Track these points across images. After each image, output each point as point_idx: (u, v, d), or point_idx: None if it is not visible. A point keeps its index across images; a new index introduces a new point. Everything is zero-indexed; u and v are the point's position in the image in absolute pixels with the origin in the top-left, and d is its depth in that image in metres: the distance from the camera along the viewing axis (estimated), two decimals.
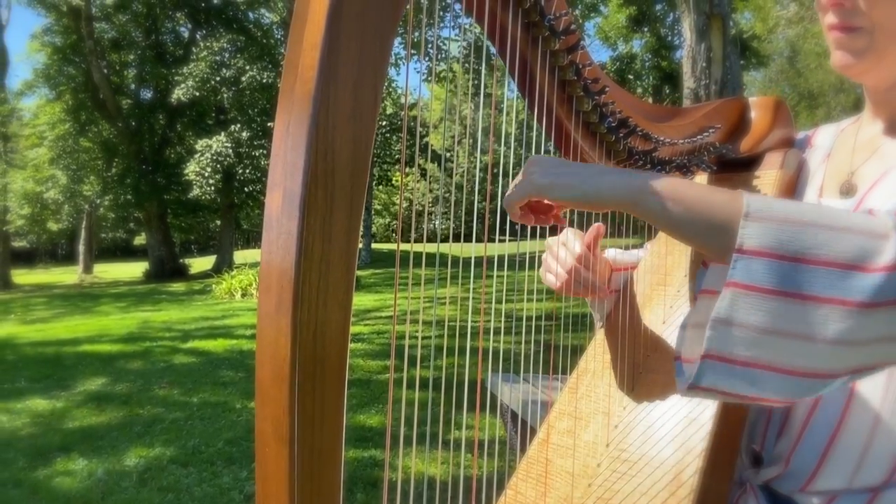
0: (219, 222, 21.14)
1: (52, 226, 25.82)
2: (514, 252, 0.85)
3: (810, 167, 0.81)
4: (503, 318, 0.82)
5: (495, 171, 0.71)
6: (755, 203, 0.49)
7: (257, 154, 17.17)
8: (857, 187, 0.73)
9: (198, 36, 19.30)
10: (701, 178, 0.87)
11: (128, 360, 5.77)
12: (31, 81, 20.35)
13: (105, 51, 19.29)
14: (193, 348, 6.28)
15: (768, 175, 0.81)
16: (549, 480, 0.80)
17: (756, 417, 0.76)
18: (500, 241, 0.82)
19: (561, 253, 0.85)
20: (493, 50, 0.65)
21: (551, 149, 0.72)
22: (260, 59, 17.42)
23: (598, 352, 0.87)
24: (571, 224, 0.87)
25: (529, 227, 0.68)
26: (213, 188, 17.32)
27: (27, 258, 33.46)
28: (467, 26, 0.65)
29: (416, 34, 0.55)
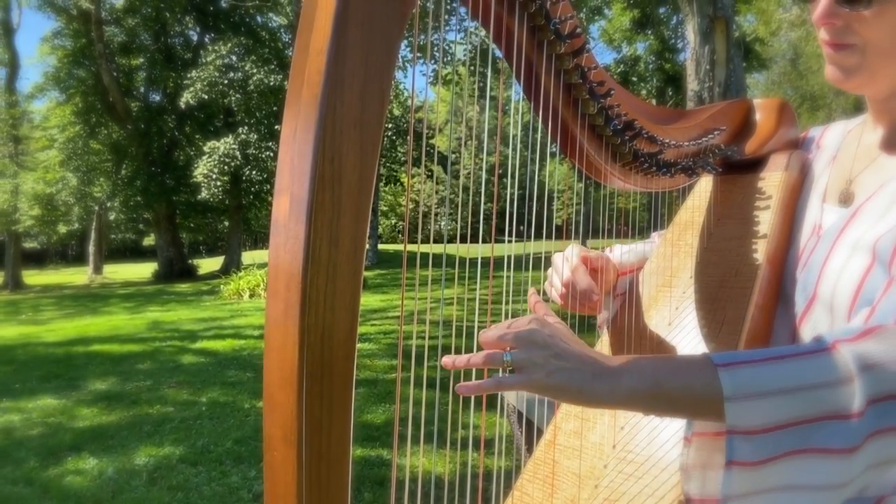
0: (227, 223, 21.25)
1: (62, 227, 26.05)
2: (520, 252, 0.85)
3: (816, 169, 0.81)
4: (509, 319, 0.82)
5: (500, 172, 0.71)
6: (730, 384, 0.54)
7: (264, 156, 17.25)
8: (854, 196, 0.74)
9: (206, 39, 19.42)
10: (706, 179, 0.87)
11: (137, 360, 5.81)
12: (41, 84, 20.56)
13: (115, 54, 19.45)
14: (202, 348, 6.32)
15: (773, 177, 0.81)
16: (555, 482, 0.80)
17: None
18: (506, 241, 0.82)
19: (561, 268, 0.88)
20: (498, 54, 0.66)
21: (556, 150, 0.72)
22: (268, 62, 17.50)
23: (603, 353, 0.87)
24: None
25: (534, 228, 0.69)
26: (220, 190, 17.43)
27: (38, 259, 33.77)
28: (472, 29, 0.66)
29: (423, 37, 0.56)
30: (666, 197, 0.85)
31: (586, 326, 0.93)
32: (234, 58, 17.47)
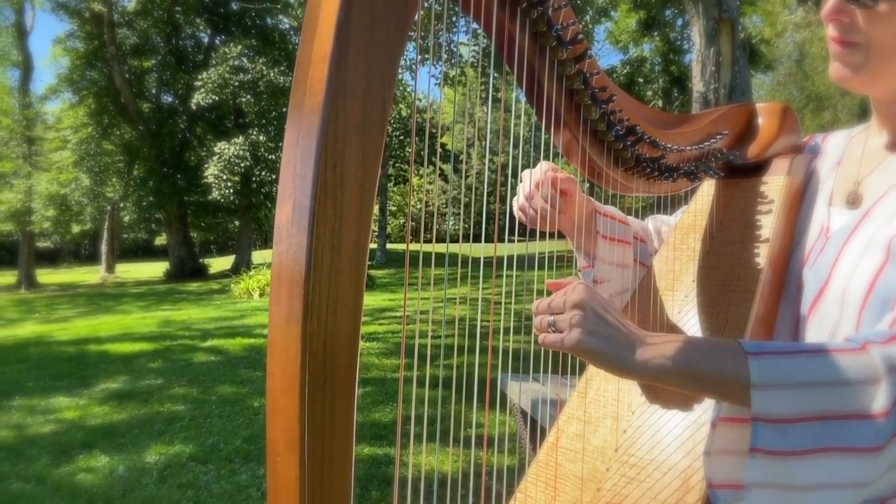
0: (237, 223, 21.41)
1: (76, 227, 26.36)
2: (525, 252, 0.85)
3: (821, 174, 0.81)
4: (513, 318, 0.83)
5: (506, 172, 0.71)
6: (757, 372, 0.55)
7: (274, 157, 17.36)
8: (862, 198, 0.73)
9: (217, 41, 19.57)
10: (708, 183, 0.87)
11: (148, 359, 5.87)
12: (54, 86, 20.80)
13: (127, 56, 19.64)
14: (212, 347, 6.37)
15: (775, 181, 0.81)
16: (558, 484, 0.81)
17: None
18: (511, 241, 0.83)
19: (528, 183, 0.86)
20: (501, 59, 0.66)
21: (560, 151, 0.72)
22: (278, 63, 17.61)
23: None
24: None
25: (538, 229, 0.69)
26: (231, 190, 17.57)
27: (51, 258, 34.19)
28: (477, 30, 0.66)
29: (428, 39, 0.56)
30: (669, 200, 0.85)
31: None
32: (244, 59, 17.58)
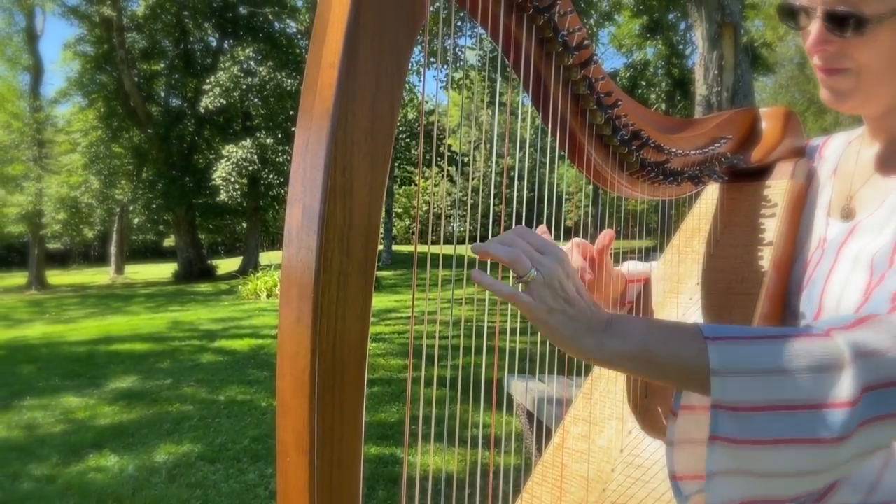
0: (245, 225, 21.52)
1: (86, 230, 26.60)
2: None
3: (821, 180, 0.81)
4: (519, 319, 0.83)
5: (512, 175, 0.72)
6: (717, 357, 0.53)
7: (281, 160, 17.44)
8: (854, 212, 0.74)
9: (225, 45, 19.70)
10: (713, 187, 0.88)
11: (157, 359, 5.91)
12: (64, 89, 21.02)
13: (136, 60, 19.82)
14: (220, 347, 6.41)
15: (779, 184, 0.81)
16: (564, 485, 0.81)
17: None
18: None
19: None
20: (507, 64, 0.67)
21: (565, 154, 0.73)
22: (285, 66, 17.70)
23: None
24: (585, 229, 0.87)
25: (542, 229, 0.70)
26: (239, 192, 17.68)
27: (61, 259, 34.50)
28: (483, 36, 0.67)
29: (434, 43, 0.57)
30: (675, 200, 0.86)
31: None
32: (252, 63, 17.69)
